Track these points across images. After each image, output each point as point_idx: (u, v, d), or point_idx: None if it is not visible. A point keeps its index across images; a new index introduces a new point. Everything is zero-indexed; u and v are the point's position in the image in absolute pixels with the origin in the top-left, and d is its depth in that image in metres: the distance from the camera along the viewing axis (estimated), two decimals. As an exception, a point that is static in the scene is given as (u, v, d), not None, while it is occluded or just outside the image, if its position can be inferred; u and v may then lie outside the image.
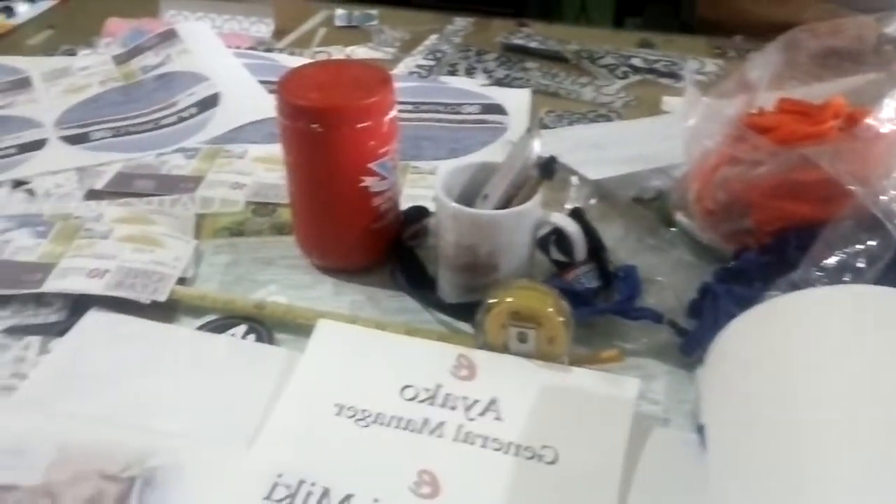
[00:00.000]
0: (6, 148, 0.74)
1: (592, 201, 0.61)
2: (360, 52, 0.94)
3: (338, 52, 0.93)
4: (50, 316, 0.54)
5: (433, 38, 0.96)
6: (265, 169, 0.71)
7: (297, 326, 0.54)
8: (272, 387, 0.48)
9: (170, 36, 0.89)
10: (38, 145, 0.75)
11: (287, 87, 0.52)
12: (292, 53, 0.92)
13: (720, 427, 0.39)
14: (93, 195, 0.68)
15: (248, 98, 0.81)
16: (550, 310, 0.45)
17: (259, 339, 0.53)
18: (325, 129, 0.50)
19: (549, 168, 0.48)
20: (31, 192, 0.68)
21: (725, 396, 0.40)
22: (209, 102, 0.80)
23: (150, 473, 0.43)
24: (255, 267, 0.60)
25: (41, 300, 0.55)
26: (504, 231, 0.50)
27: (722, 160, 0.51)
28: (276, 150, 0.73)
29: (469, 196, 0.53)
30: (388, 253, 0.58)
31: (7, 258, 0.57)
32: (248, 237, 0.63)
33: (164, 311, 0.55)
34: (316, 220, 0.56)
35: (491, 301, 0.47)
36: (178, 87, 0.83)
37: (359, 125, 0.50)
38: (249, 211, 0.66)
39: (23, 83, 0.86)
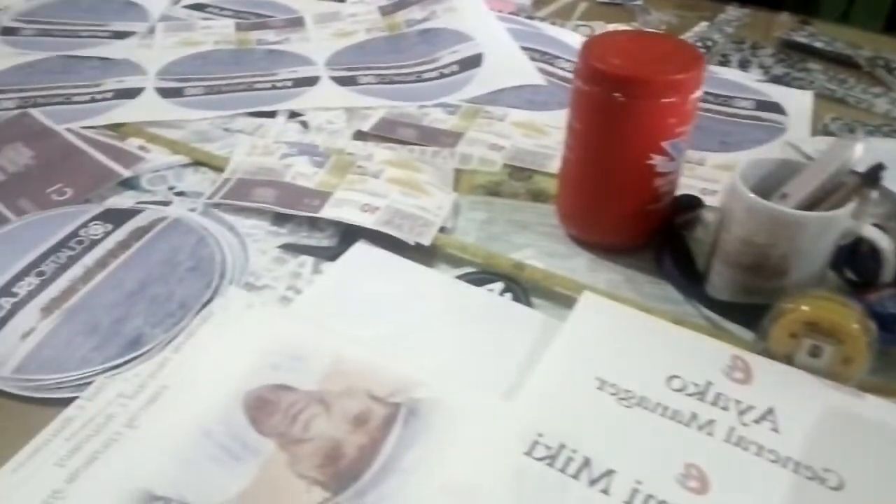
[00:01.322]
0: (283, 80, 0.82)
1: (892, 223, 0.57)
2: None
3: (600, 29, 0.93)
4: (322, 240, 0.60)
5: (703, 24, 0.93)
6: (523, 134, 0.73)
7: (552, 293, 0.55)
8: (529, 348, 0.50)
9: None
10: (311, 81, 0.81)
11: (592, 52, 0.53)
12: (554, 23, 0.94)
13: None
14: (359, 136, 0.73)
15: (510, 63, 0.83)
16: (856, 326, 0.43)
17: (516, 298, 0.55)
18: (627, 98, 0.50)
19: (874, 176, 0.46)
20: (304, 125, 0.74)
21: None
22: (471, 62, 0.83)
23: (414, 404, 0.46)
24: (510, 228, 0.62)
25: (315, 224, 0.61)
26: (807, 234, 0.48)
27: None
28: (536, 117, 0.76)
29: (761, 192, 0.51)
30: (653, 237, 0.58)
31: (289, 181, 0.63)
32: (504, 198, 0.65)
33: (424, 254, 0.58)
34: (589, 190, 0.57)
35: (784, 306, 0.45)
36: (442, 43, 0.87)
37: (664, 100, 0.50)
38: (506, 173, 0.68)
39: (297, 22, 0.94)
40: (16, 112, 0.74)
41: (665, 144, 0.52)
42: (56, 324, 0.50)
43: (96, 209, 0.60)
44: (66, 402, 0.46)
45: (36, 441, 0.44)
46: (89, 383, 0.47)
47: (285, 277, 0.56)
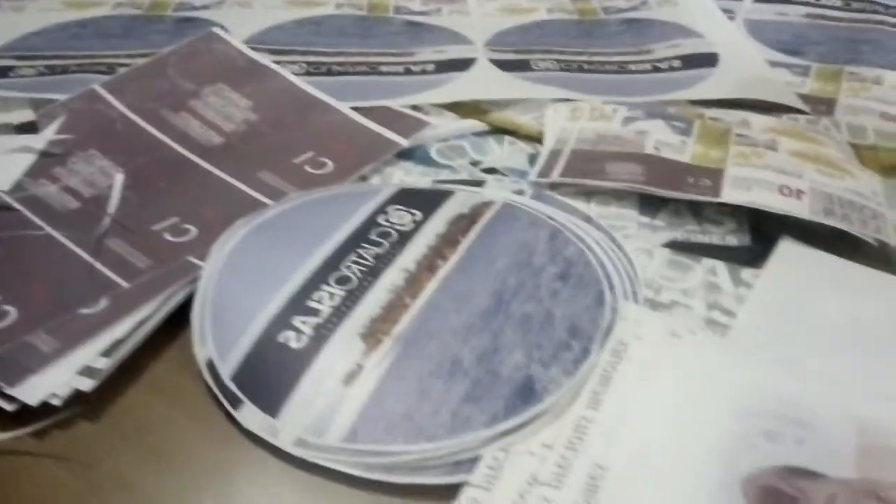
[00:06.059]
0: (422, 63, 0.60)
1: None
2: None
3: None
4: (725, 237, 0.42)
5: None
6: (916, 101, 0.55)
7: None
8: None
9: None
10: (462, 65, 0.60)
11: None
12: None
13: None
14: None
15: (756, 72, 0.60)
16: None
17: None
18: None
19: None
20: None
21: None
22: (700, 60, 0.61)
23: None
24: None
25: (700, 213, 0.43)
26: None
27: None
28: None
29: None
30: None
31: (653, 153, 0.46)
32: (935, 185, 0.47)
33: (870, 258, 0.40)
34: None
35: None
36: (655, 35, 0.65)
37: None
38: (916, 150, 0.50)
39: (456, -8, 0.74)
40: (204, 32, 0.58)
41: None
42: (392, 360, 0.33)
43: (389, 189, 0.43)
44: (445, 490, 0.29)
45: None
46: (474, 459, 0.30)
47: (700, 291, 0.38)
